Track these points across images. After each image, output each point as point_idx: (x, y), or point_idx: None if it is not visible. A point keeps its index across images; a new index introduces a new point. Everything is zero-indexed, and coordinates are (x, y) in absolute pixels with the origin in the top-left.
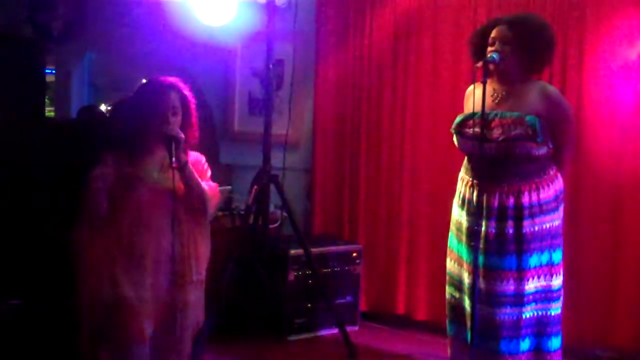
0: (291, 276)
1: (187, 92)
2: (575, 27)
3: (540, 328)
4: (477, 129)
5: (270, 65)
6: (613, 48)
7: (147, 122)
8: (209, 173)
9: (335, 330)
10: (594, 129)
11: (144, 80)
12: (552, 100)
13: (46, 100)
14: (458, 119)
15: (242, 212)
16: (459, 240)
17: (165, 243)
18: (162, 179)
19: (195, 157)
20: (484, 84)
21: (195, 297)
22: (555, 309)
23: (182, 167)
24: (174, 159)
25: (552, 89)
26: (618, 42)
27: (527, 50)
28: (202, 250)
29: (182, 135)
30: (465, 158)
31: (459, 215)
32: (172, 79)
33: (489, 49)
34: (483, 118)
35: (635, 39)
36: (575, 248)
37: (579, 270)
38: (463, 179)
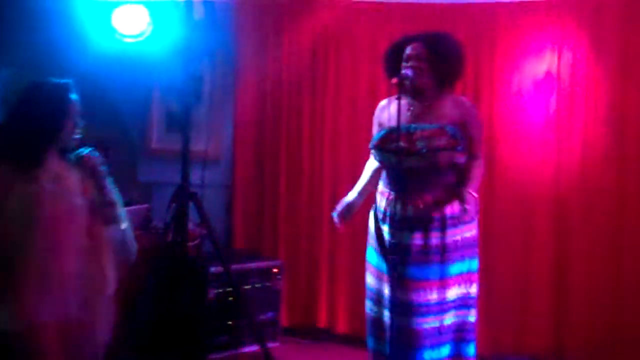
0: (211, 294)
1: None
2: (487, 43)
3: (459, 334)
4: (400, 143)
5: (189, 81)
6: (524, 63)
7: (48, 132)
8: (105, 174)
9: (257, 347)
10: (505, 142)
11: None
12: (466, 106)
13: None
14: (378, 135)
15: (161, 232)
16: (379, 254)
17: (73, 261)
18: (61, 191)
19: (94, 161)
20: (399, 99)
21: (105, 313)
22: (473, 315)
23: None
24: (106, 197)
25: (464, 98)
26: (529, 58)
27: (441, 66)
28: (111, 263)
29: (99, 161)
30: (384, 172)
31: (379, 229)
32: (66, 80)
33: (404, 65)
34: (398, 132)
35: (545, 55)
36: (488, 257)
37: (492, 279)
38: (383, 193)
